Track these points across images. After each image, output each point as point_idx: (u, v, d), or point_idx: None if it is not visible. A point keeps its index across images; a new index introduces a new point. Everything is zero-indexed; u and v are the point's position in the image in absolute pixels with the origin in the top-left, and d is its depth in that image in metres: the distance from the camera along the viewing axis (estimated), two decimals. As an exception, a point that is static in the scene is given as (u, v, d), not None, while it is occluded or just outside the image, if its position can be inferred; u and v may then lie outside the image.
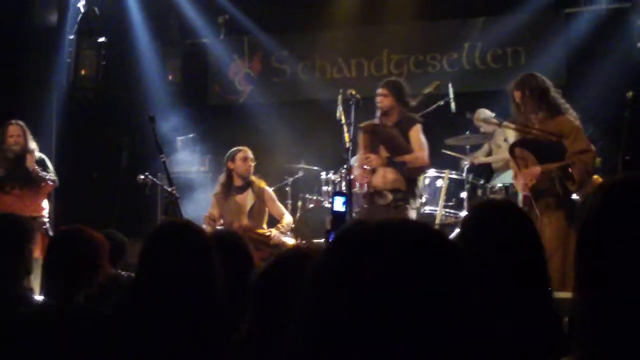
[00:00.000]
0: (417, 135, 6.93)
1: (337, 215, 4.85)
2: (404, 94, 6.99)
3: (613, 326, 1.53)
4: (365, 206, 7.08)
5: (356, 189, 7.54)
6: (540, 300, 2.48)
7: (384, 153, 6.92)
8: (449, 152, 8.43)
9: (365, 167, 6.89)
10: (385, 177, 6.85)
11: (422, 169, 7.16)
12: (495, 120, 6.94)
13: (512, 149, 6.16)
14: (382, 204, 6.83)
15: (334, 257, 1.19)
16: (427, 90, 7.97)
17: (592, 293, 1.59)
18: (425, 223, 1.23)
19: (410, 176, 6.92)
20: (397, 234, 1.17)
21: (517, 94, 6.00)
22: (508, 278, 2.45)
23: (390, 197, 6.82)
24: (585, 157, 5.77)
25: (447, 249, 1.19)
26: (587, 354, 1.57)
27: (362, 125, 7.16)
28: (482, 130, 8.79)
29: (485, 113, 8.32)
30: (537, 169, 5.88)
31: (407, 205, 6.89)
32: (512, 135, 6.63)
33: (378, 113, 7.06)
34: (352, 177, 7.12)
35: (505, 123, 6.45)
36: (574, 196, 5.95)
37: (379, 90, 7.01)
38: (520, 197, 6.18)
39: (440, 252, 1.18)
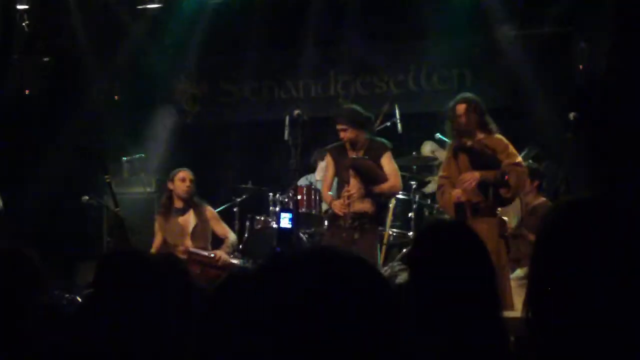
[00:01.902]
0: (389, 162, 6.98)
1: (283, 232, 4.86)
2: (360, 119, 6.98)
3: (560, 340, 1.55)
4: (327, 228, 7.12)
5: (303, 209, 7.56)
6: (490, 321, 2.49)
7: (356, 185, 6.91)
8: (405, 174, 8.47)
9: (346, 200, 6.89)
10: (357, 205, 6.86)
11: (394, 195, 7.34)
12: (439, 150, 7.14)
13: (455, 150, 6.36)
14: (345, 226, 6.83)
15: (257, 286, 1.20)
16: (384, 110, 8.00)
17: (539, 309, 1.62)
18: (351, 254, 1.23)
19: (379, 201, 6.99)
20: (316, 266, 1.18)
21: (461, 107, 6.33)
22: (459, 298, 2.46)
23: (356, 221, 6.83)
24: (520, 169, 6.11)
25: (370, 285, 1.20)
26: None
27: (330, 147, 7.17)
28: (438, 156, 8.87)
29: (432, 145, 8.46)
30: (476, 174, 6.12)
31: (373, 227, 6.95)
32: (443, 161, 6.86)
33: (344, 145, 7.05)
34: (298, 197, 7.12)
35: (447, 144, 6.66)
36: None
37: (337, 126, 6.97)
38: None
39: (359, 288, 1.18)
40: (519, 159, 6.22)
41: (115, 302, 2.62)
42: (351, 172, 6.94)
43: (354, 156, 6.97)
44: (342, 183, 7.04)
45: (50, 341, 2.76)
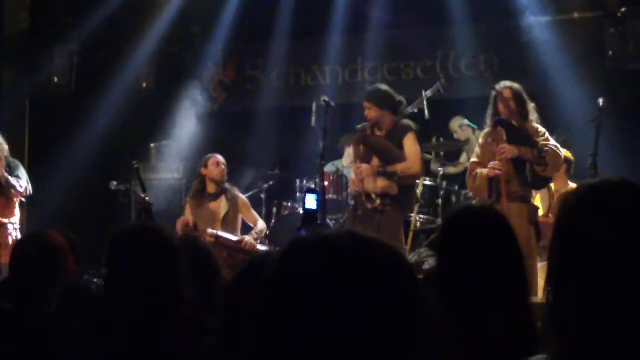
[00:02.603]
0: (411, 144, 6.85)
1: (308, 213, 4.85)
2: (388, 100, 6.89)
3: (578, 321, 1.55)
4: (352, 211, 7.09)
5: (330, 196, 7.57)
6: (517, 307, 2.48)
7: (376, 162, 6.87)
8: (428, 156, 8.43)
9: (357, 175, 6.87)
10: (376, 184, 6.81)
11: (414, 178, 7.09)
12: (465, 130, 7.06)
13: (495, 123, 6.28)
14: (369, 207, 6.78)
15: (277, 269, 1.20)
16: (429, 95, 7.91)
17: (558, 290, 1.61)
18: (375, 239, 1.22)
19: (403, 184, 6.86)
20: (338, 249, 1.18)
21: (508, 92, 6.24)
22: (486, 284, 2.45)
23: (378, 201, 6.78)
24: (557, 150, 6.07)
25: (393, 269, 1.19)
26: (557, 349, 1.59)
27: (354, 137, 7.15)
28: (456, 137, 8.83)
29: (461, 121, 8.38)
30: (515, 148, 6.04)
31: (396, 211, 6.86)
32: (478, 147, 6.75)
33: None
34: (325, 183, 7.12)
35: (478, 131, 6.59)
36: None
37: (364, 104, 6.92)
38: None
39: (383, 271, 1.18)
40: (555, 143, 6.16)
41: (127, 279, 2.64)
42: (362, 150, 6.91)
43: (378, 135, 6.92)
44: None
45: (72, 324, 2.79)
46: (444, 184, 8.08)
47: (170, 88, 10.63)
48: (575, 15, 9.34)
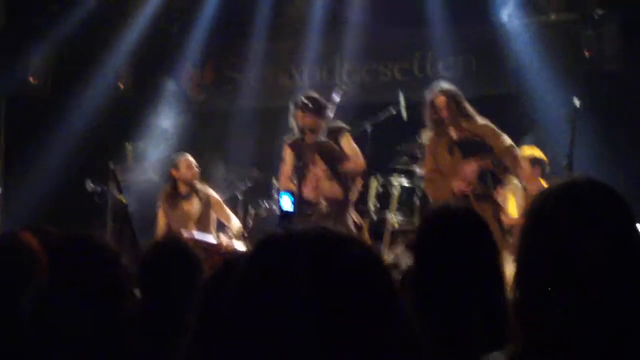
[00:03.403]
0: (349, 142, 7.04)
1: (284, 214, 4.85)
2: (320, 105, 7.06)
3: (542, 317, 1.56)
4: (306, 216, 7.12)
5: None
6: (495, 305, 2.48)
7: (320, 166, 6.92)
8: (399, 167, 8.47)
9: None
10: (332, 187, 6.85)
11: (360, 174, 7.24)
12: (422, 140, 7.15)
13: (450, 146, 6.35)
14: (317, 215, 6.83)
15: (250, 265, 1.19)
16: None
17: (523, 286, 1.63)
18: (350, 236, 1.22)
19: (348, 183, 6.99)
20: (313, 245, 1.17)
21: (442, 99, 6.37)
22: (464, 284, 2.46)
23: (325, 206, 6.84)
24: (511, 149, 6.25)
25: (367, 262, 1.19)
26: (522, 345, 1.60)
27: (289, 141, 7.16)
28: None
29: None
30: (474, 165, 6.11)
31: (346, 213, 6.97)
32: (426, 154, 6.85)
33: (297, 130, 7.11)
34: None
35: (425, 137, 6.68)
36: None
37: (298, 113, 7.05)
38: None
39: (357, 266, 1.17)
40: (508, 139, 6.26)
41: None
42: (316, 156, 6.94)
43: (317, 140, 6.96)
44: (303, 172, 7.02)
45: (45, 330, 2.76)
46: (422, 184, 8.08)
47: (147, 88, 10.60)
48: (553, 17, 9.38)
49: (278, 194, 7.38)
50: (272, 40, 10.41)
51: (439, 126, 6.35)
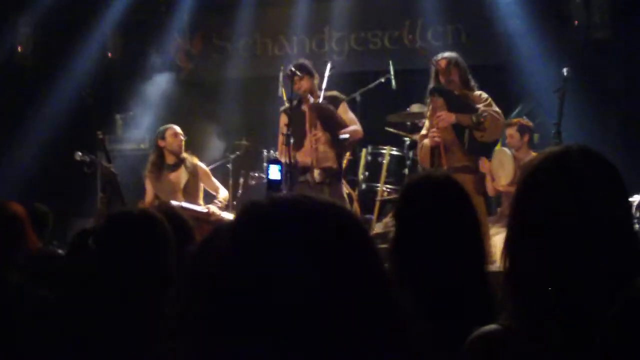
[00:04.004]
0: (346, 111, 7.09)
1: (272, 183, 4.86)
2: (313, 71, 7.10)
3: (534, 286, 1.57)
4: (300, 183, 7.12)
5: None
6: (476, 276, 2.50)
7: (320, 129, 6.92)
8: (391, 130, 8.46)
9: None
10: (317, 151, 6.87)
11: (357, 141, 7.33)
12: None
13: (431, 92, 6.37)
14: (311, 182, 6.85)
15: (233, 233, 1.20)
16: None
17: (515, 256, 1.63)
18: (334, 202, 1.22)
19: (342, 152, 7.02)
20: (298, 211, 1.18)
21: (443, 62, 6.34)
22: (444, 254, 2.46)
23: (321, 175, 6.85)
24: (496, 114, 6.16)
25: (352, 230, 1.19)
26: (512, 314, 1.61)
27: (283, 109, 7.15)
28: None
29: (419, 107, 8.47)
30: (452, 114, 6.13)
31: (339, 183, 6.98)
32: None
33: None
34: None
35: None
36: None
37: (294, 78, 7.00)
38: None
39: (342, 232, 1.17)
40: (495, 107, 6.24)
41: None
42: (317, 119, 6.94)
43: (317, 103, 6.98)
44: (299, 137, 7.02)
45: (35, 293, 2.77)
46: (410, 153, 8.10)
47: (136, 58, 10.54)
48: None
49: (267, 163, 7.38)
50: (261, 8, 10.36)
51: (448, 84, 6.34)
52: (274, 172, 4.99)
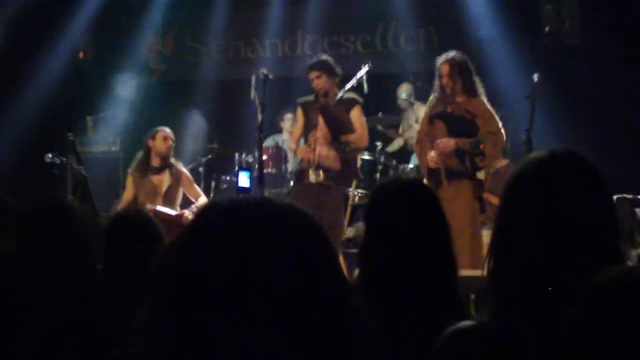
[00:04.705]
0: (358, 116, 6.96)
1: (242, 190, 4.86)
2: (335, 71, 6.99)
3: (514, 289, 1.58)
4: (294, 184, 7.09)
5: (269, 170, 7.54)
6: (444, 280, 2.50)
7: (323, 130, 6.89)
8: (380, 128, 8.43)
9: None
10: (328, 153, 6.83)
11: (361, 150, 7.20)
12: (404, 102, 7.08)
13: (432, 119, 6.31)
14: (312, 182, 6.81)
15: (188, 232, 1.20)
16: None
17: (498, 259, 1.64)
18: (288, 203, 1.22)
19: (347, 157, 6.91)
20: (248, 216, 1.17)
21: (445, 67, 6.21)
22: (412, 258, 2.46)
23: (322, 176, 6.81)
24: (496, 137, 6.05)
25: (305, 232, 1.19)
26: (492, 316, 1.62)
27: (301, 101, 7.13)
28: (398, 103, 8.86)
29: (407, 90, 8.46)
30: (451, 141, 6.06)
31: (339, 186, 6.89)
32: (423, 115, 6.74)
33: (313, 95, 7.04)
34: (264, 157, 7.11)
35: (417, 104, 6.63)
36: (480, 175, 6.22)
37: (311, 74, 6.97)
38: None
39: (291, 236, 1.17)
40: (498, 125, 6.17)
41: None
42: (320, 117, 6.91)
43: (325, 102, 6.95)
44: (307, 134, 7.00)
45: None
46: (382, 158, 8.12)
47: (108, 58, 10.49)
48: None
49: (237, 169, 7.37)
50: (234, 10, 10.34)
51: (442, 92, 6.27)
52: (243, 180, 4.99)
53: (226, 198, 1.21)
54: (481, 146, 5.98)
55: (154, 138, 7.46)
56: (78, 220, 2.81)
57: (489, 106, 6.21)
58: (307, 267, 1.14)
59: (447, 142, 6.07)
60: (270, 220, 1.16)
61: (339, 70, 7.06)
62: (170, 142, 7.47)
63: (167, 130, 7.52)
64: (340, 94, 6.93)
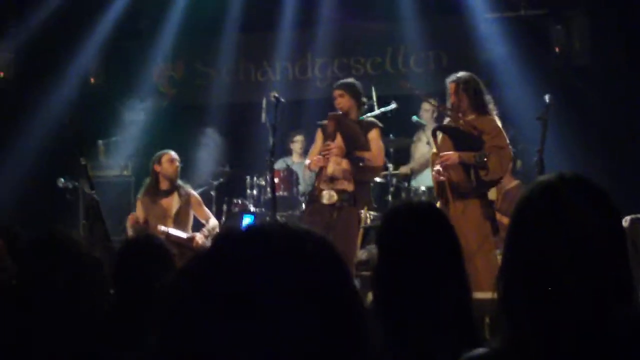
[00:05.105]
0: (376, 138, 6.96)
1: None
2: (359, 94, 7.02)
3: (526, 315, 1.57)
4: (307, 204, 7.09)
5: (280, 192, 7.54)
6: (458, 304, 2.49)
7: (338, 142, 6.90)
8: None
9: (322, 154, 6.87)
10: (340, 165, 6.83)
11: (375, 171, 7.15)
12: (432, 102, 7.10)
13: (434, 131, 6.33)
14: (325, 203, 6.80)
15: (205, 259, 1.19)
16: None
17: (508, 284, 1.63)
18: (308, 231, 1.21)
19: (361, 178, 6.91)
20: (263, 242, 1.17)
21: (452, 86, 6.25)
22: (426, 282, 2.45)
23: (335, 196, 6.81)
24: (502, 152, 6.05)
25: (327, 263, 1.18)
26: (505, 342, 1.61)
27: (320, 123, 7.17)
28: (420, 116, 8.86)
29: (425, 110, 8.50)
30: (455, 154, 6.07)
31: (352, 208, 6.86)
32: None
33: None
34: (275, 180, 7.11)
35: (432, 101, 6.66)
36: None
37: (335, 92, 7.01)
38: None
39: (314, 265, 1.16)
40: (505, 142, 6.14)
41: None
42: (333, 127, 6.91)
43: (337, 114, 6.97)
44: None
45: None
46: (394, 180, 8.11)
47: (118, 84, 10.54)
48: (522, 12, 9.44)
49: (241, 214, 7.37)
50: (244, 34, 10.39)
51: (452, 111, 6.29)
52: (247, 223, 5.03)
53: (244, 226, 1.21)
54: (485, 159, 5.97)
55: (159, 162, 7.49)
56: (76, 251, 2.81)
57: (499, 123, 6.18)
58: (325, 294, 1.14)
59: (451, 155, 6.09)
60: (287, 246, 1.15)
61: (364, 99, 7.11)
62: (177, 164, 7.50)
63: (172, 152, 7.55)
64: (361, 117, 6.97)
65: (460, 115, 6.21)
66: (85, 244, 2.87)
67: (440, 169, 6.10)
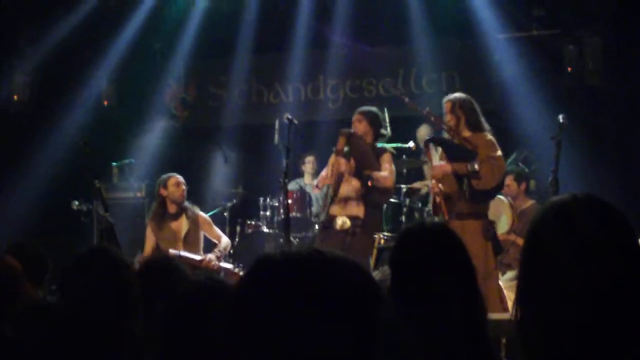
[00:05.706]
0: (388, 161, 7.06)
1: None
2: (378, 122, 7.10)
3: (543, 337, 1.57)
4: (321, 230, 7.12)
5: (293, 214, 7.54)
6: (472, 324, 2.48)
7: (352, 163, 6.95)
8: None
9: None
10: (350, 183, 6.87)
11: (384, 193, 7.17)
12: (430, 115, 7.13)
13: (426, 143, 6.39)
14: (338, 229, 6.83)
15: (244, 287, 1.20)
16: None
17: (524, 306, 1.63)
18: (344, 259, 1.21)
19: (371, 200, 6.95)
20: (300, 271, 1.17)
21: (448, 105, 6.41)
22: (439, 303, 2.45)
23: (348, 223, 6.84)
24: (494, 162, 6.15)
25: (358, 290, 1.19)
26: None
27: (339, 133, 7.19)
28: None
29: (426, 128, 8.50)
30: (447, 165, 6.12)
31: (365, 234, 6.91)
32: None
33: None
34: (289, 201, 7.12)
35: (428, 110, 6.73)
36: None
37: (354, 117, 7.11)
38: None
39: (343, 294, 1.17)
40: (499, 153, 6.22)
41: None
42: (344, 143, 6.96)
43: (348, 130, 7.02)
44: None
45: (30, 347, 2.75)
46: (407, 200, 8.11)
47: (132, 106, 10.59)
48: (534, 32, 9.45)
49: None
50: (256, 56, 10.43)
51: (449, 131, 6.37)
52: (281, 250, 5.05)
53: (278, 253, 1.21)
54: (476, 167, 6.02)
55: (165, 186, 7.47)
56: (123, 267, 2.82)
57: (493, 140, 6.29)
58: (362, 318, 1.14)
59: (444, 166, 6.16)
60: (326, 275, 1.16)
61: (383, 130, 7.17)
62: (183, 187, 7.49)
63: (178, 175, 7.54)
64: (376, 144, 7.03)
65: (455, 133, 6.30)
66: (127, 260, 2.88)
67: (433, 182, 6.18)
